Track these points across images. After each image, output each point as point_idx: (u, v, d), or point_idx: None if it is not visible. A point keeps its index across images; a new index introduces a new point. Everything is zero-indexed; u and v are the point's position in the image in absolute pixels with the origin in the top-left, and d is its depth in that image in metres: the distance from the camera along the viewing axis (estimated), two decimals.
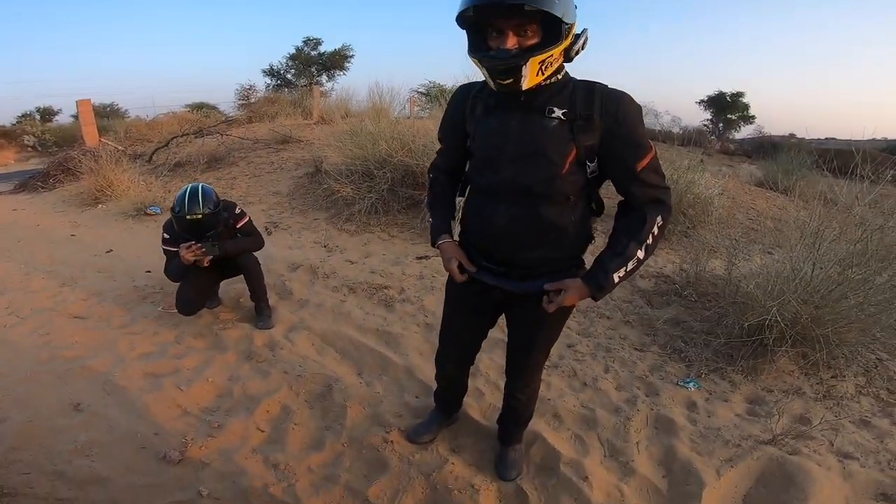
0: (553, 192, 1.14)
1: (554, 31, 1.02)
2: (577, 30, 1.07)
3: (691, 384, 2.20)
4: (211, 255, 2.36)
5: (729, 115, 22.29)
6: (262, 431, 1.90)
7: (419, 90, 13.81)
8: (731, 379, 2.26)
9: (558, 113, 1.10)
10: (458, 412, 1.93)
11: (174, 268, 2.45)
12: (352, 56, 19.58)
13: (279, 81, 18.93)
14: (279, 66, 19.10)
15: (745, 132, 21.82)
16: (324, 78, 19.38)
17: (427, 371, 2.24)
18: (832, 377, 2.27)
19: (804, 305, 2.21)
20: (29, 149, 15.06)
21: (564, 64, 1.13)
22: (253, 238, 2.62)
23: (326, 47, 19.35)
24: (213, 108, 14.91)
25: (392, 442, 1.83)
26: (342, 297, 2.94)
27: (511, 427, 1.71)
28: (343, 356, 2.41)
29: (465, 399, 1.91)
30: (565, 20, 1.00)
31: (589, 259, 1.28)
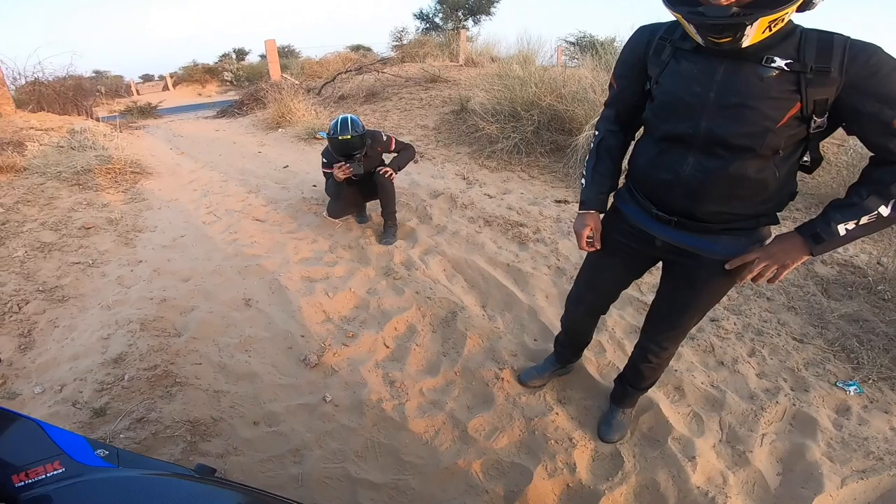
0: (759, 145, 1.00)
1: None
2: None
3: (852, 388, 1.86)
4: (357, 172, 2.73)
5: None
6: (388, 347, 2.06)
7: (568, 39, 12.98)
8: None
9: (780, 63, 0.95)
10: (574, 363, 1.87)
11: (330, 185, 2.92)
12: (497, 1, 19.06)
13: (428, 25, 19.31)
14: (428, 11, 19.47)
15: None
16: (469, 22, 19.28)
17: (550, 315, 2.21)
18: None
19: None
20: (227, 83, 17.94)
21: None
22: (407, 150, 2.99)
23: None
24: (369, 49, 15.88)
25: (502, 380, 1.85)
26: (477, 229, 3.00)
27: (629, 389, 1.61)
28: (471, 286, 2.48)
29: (585, 351, 1.85)
30: None
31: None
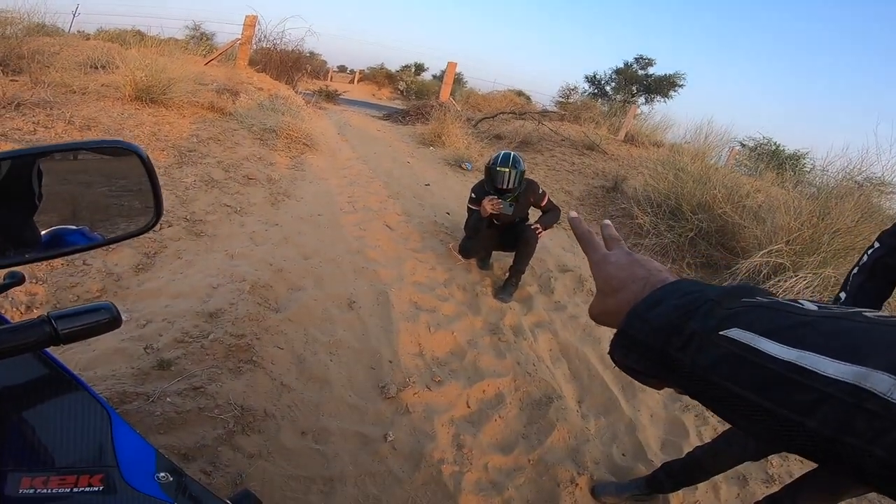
0: None
1: None
2: None
3: None
4: (505, 211, 2.63)
5: None
6: (469, 408, 1.92)
7: (744, 142, 12.03)
8: None
9: None
10: (665, 493, 1.66)
11: (472, 221, 2.81)
12: (681, 85, 18.25)
13: (596, 90, 19.12)
14: (602, 77, 19.23)
15: None
16: (642, 99, 18.75)
17: (649, 435, 1.99)
18: None
19: None
20: (399, 92, 19.72)
21: None
22: (555, 212, 2.91)
23: (657, 70, 18.58)
24: (528, 98, 16.26)
25: (576, 485, 1.68)
26: None
27: None
28: (573, 376, 2.28)
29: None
30: None
31: None
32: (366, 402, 1.81)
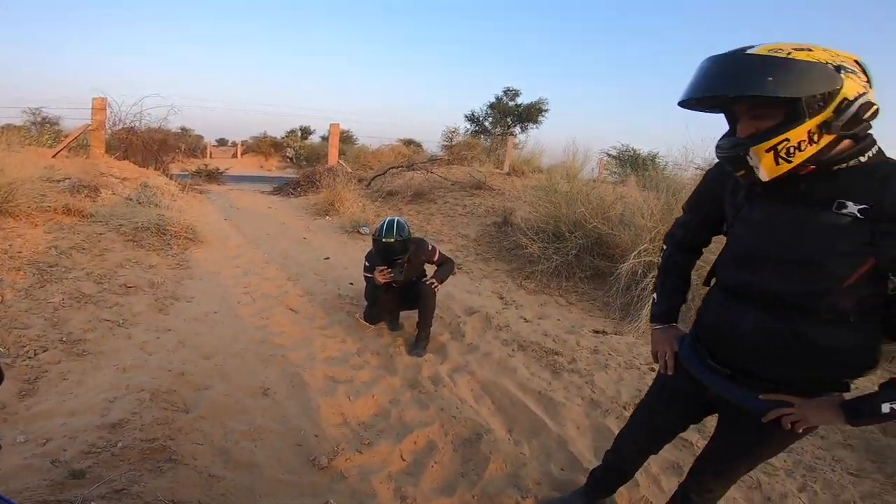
0: (821, 308, 0.91)
1: (798, 109, 0.84)
2: (852, 95, 0.84)
3: None
4: (397, 278, 2.73)
5: None
6: (404, 461, 1.95)
7: (610, 153, 13.41)
8: None
9: (853, 209, 0.86)
10: (605, 499, 1.74)
11: (370, 290, 2.91)
12: (546, 110, 19.56)
13: (478, 128, 19.81)
14: (479, 114, 19.97)
15: None
16: (517, 129, 19.87)
17: (581, 446, 2.11)
18: None
19: None
20: (288, 159, 19.42)
21: (874, 144, 0.89)
22: (448, 265, 2.99)
23: (524, 99, 19.75)
24: (419, 145, 16.88)
25: None
26: (510, 352, 2.90)
27: None
28: (498, 409, 2.37)
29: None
30: (797, 94, 0.82)
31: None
32: (299, 476, 1.78)
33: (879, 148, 0.90)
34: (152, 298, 3.06)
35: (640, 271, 3.56)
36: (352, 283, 3.82)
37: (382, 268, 2.72)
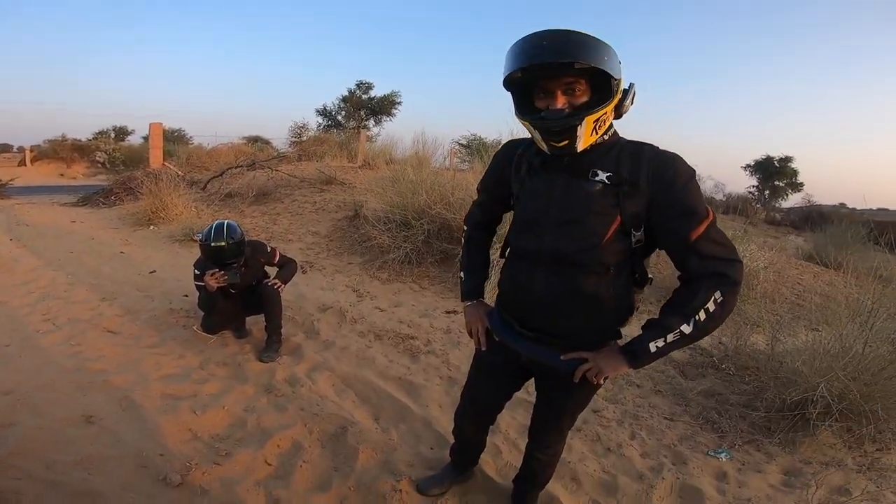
0: (591, 262, 1.07)
1: (603, 88, 0.98)
2: (624, 85, 1.03)
3: (723, 455, 2.12)
4: (233, 282, 2.55)
5: (776, 182, 21.34)
6: (270, 465, 1.87)
7: (460, 142, 14.13)
8: (767, 451, 2.18)
9: (602, 176, 1.03)
10: (472, 469, 1.85)
11: (204, 299, 2.67)
12: (399, 102, 19.78)
13: (330, 122, 19.30)
14: (332, 108, 19.54)
15: (792, 201, 20.80)
16: (371, 122, 19.56)
17: (445, 423, 2.20)
18: (877, 450, 2.18)
19: (853, 382, 2.18)
20: (99, 164, 16.26)
21: (613, 122, 1.07)
22: (290, 265, 2.89)
23: (377, 92, 19.72)
24: (267, 142, 15.74)
25: (401, 491, 1.77)
26: (368, 343, 2.93)
27: (527, 488, 1.62)
28: (362, 400, 2.38)
29: (481, 456, 1.86)
30: (614, 75, 0.96)
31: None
32: (152, 497, 1.63)
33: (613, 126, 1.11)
34: None
35: None
36: (187, 296, 3.45)
37: (214, 271, 2.52)
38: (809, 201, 19.69)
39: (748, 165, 22.16)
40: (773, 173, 21.40)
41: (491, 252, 1.49)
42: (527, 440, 1.53)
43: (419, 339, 3.01)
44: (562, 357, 1.17)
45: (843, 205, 17.70)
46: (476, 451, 1.77)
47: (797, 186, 21.14)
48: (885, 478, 2.00)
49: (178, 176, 7.17)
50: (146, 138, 10.65)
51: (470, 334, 1.38)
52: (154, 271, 4.05)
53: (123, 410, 2.08)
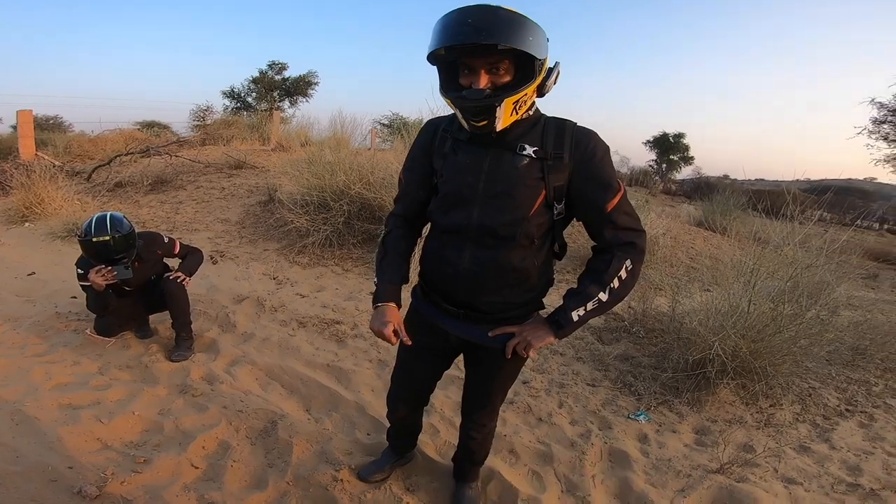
0: (518, 234, 1.09)
1: (527, 68, 0.99)
2: (549, 63, 1.03)
3: (642, 417, 2.26)
4: (122, 278, 2.29)
5: (671, 156, 23.80)
6: (197, 468, 1.77)
7: (382, 122, 13.82)
8: (679, 411, 2.34)
9: (529, 150, 1.06)
10: (412, 451, 1.86)
11: (92, 299, 2.40)
12: (317, 83, 19.14)
13: (238, 104, 18.26)
14: (240, 89, 18.48)
15: (685, 173, 23.39)
16: (286, 104, 18.81)
17: (379, 408, 2.18)
18: (770, 406, 2.40)
19: (742, 339, 2.35)
20: None
21: (536, 99, 1.09)
22: (195, 254, 2.67)
23: (292, 73, 18.97)
24: (166, 127, 14.32)
25: (342, 481, 1.74)
26: (290, 332, 2.81)
27: (467, 465, 1.65)
28: (290, 392, 2.30)
29: (419, 437, 1.86)
30: (538, 56, 0.96)
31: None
32: None
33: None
34: None
35: None
36: (74, 297, 3.09)
37: (100, 267, 2.26)
38: (699, 173, 22.43)
39: (648, 141, 24.52)
40: (669, 148, 23.73)
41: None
42: (461, 418, 1.54)
43: (345, 324, 2.95)
44: (489, 333, 1.19)
45: (726, 176, 19.89)
46: (413, 433, 1.77)
47: (689, 160, 23.92)
48: (782, 433, 2.22)
49: (55, 166, 6.29)
50: (15, 127, 9.20)
51: (382, 337, 1.18)
52: (33, 273, 3.58)
53: (17, 425, 1.85)
